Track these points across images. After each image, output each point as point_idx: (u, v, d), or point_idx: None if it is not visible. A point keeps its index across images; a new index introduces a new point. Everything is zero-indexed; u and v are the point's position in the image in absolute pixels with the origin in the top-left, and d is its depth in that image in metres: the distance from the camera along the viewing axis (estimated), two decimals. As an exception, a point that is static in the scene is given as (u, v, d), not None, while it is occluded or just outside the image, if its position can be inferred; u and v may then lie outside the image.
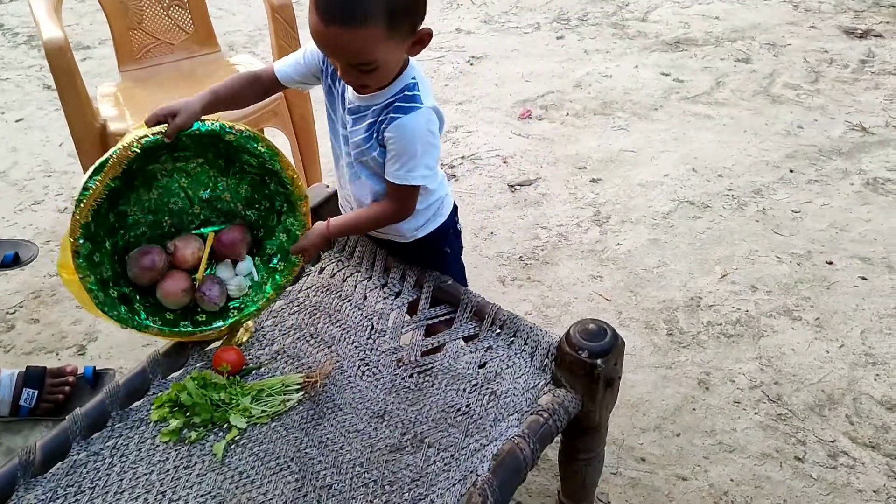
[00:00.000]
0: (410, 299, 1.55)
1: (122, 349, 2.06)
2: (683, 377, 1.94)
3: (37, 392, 1.80)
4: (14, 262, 2.03)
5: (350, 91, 1.34)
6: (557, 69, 3.53)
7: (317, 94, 1.56)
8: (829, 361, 1.97)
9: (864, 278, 2.23)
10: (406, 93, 1.30)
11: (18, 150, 2.99)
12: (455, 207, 1.60)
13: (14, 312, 2.20)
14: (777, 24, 3.83)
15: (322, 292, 1.61)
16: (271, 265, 1.50)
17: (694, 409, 1.86)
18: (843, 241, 2.38)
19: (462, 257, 1.69)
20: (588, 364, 1.29)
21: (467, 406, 1.37)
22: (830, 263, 2.29)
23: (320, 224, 1.45)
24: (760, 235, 2.43)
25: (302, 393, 1.41)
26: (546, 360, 1.40)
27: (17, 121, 3.22)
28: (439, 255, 1.58)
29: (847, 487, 1.67)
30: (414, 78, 1.32)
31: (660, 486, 1.69)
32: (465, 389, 1.40)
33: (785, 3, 4.07)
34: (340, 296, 1.59)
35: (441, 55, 3.68)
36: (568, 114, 3.17)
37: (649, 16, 4.03)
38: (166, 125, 1.31)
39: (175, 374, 1.46)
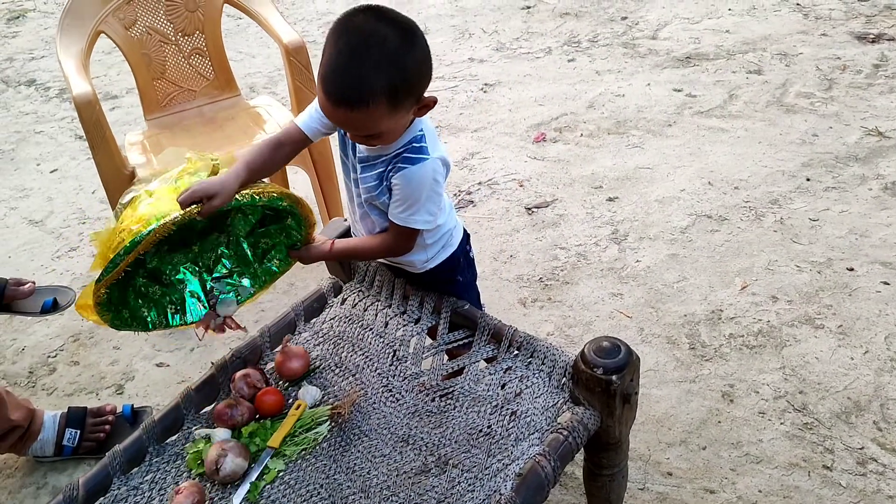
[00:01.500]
0: (430, 325, 1.59)
1: (158, 387, 2.13)
2: (707, 390, 1.95)
3: (79, 432, 1.87)
4: (53, 307, 2.12)
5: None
6: (570, 91, 3.58)
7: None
8: (854, 368, 1.97)
9: (886, 283, 2.23)
10: (414, 144, 1.36)
11: (54, 200, 3.12)
12: (466, 236, 1.64)
13: (55, 356, 2.28)
14: (788, 34, 3.85)
15: (344, 322, 1.66)
16: (268, 257, 1.55)
17: (719, 422, 1.87)
18: (863, 247, 2.38)
19: (481, 281, 1.74)
20: (604, 381, 1.32)
21: (489, 427, 1.41)
22: (851, 270, 2.29)
23: (325, 244, 1.51)
24: (779, 245, 2.43)
25: (330, 423, 1.46)
26: (564, 379, 1.43)
27: (51, 171, 3.35)
28: (452, 284, 1.63)
29: (877, 494, 1.67)
30: (421, 130, 1.38)
31: (688, 499, 1.70)
32: (486, 411, 1.43)
33: (795, 12, 4.09)
34: (362, 325, 1.64)
35: (455, 84, 3.75)
36: (582, 134, 3.21)
37: (659, 33, 4.07)
38: (199, 205, 1.29)
39: (207, 409, 1.52)
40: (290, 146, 1.48)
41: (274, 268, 1.57)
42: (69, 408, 1.91)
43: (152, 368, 2.20)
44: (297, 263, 1.58)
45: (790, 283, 2.27)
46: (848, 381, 1.93)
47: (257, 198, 1.37)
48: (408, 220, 1.39)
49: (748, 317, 2.17)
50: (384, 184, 1.39)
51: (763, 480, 1.72)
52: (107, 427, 1.89)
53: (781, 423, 1.85)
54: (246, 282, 1.57)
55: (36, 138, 3.66)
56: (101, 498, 1.37)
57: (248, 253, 1.56)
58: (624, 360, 1.33)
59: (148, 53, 2.46)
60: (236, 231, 1.54)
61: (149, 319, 1.51)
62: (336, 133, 1.49)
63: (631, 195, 2.78)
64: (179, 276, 1.53)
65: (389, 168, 1.37)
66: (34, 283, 2.10)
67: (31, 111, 3.95)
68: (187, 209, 1.28)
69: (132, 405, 1.99)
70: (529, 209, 2.76)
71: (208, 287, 1.54)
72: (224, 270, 1.56)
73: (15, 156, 3.51)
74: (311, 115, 1.44)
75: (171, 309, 1.52)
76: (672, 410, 1.91)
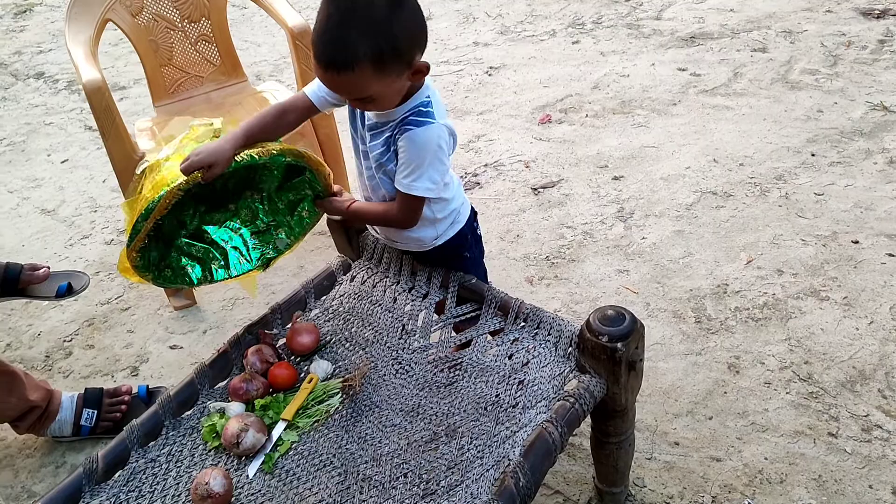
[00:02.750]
0: (437, 299, 1.62)
1: (172, 368, 2.17)
2: (713, 362, 1.98)
3: (96, 412, 1.91)
4: (68, 291, 2.16)
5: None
6: (575, 73, 3.59)
7: (340, 114, 1.64)
8: (859, 338, 1.99)
9: (891, 255, 2.24)
10: (420, 109, 1.39)
11: (65, 189, 3.16)
12: (474, 213, 1.67)
13: (71, 340, 2.33)
14: (792, 12, 3.84)
15: (354, 299, 1.69)
16: (298, 209, 1.62)
17: (725, 393, 1.89)
18: (868, 220, 2.39)
19: (489, 261, 1.77)
20: (609, 348, 1.35)
21: (497, 396, 1.43)
22: (856, 242, 2.30)
23: (345, 202, 1.57)
24: (784, 220, 2.45)
25: (341, 396, 1.49)
26: (570, 348, 1.45)
27: (62, 161, 3.39)
28: (460, 259, 1.65)
29: (882, 460, 1.69)
30: (428, 97, 1.41)
31: (694, 468, 1.72)
32: (493, 381, 1.46)
33: (800, -11, 4.07)
34: (371, 301, 1.67)
35: (460, 68, 3.77)
36: (587, 115, 3.23)
37: (663, 14, 4.06)
38: (202, 171, 1.37)
39: (221, 384, 1.55)
40: (296, 114, 1.52)
41: (305, 219, 1.63)
42: (86, 389, 1.95)
43: (166, 350, 2.24)
44: (324, 218, 1.67)
45: (795, 257, 2.29)
46: (853, 351, 1.95)
47: (257, 157, 1.42)
48: (410, 186, 1.41)
49: (753, 290, 2.19)
50: (392, 149, 1.42)
51: (769, 448, 1.74)
52: (123, 407, 1.93)
53: (787, 393, 1.87)
54: (282, 234, 1.64)
55: (46, 130, 3.70)
56: (120, 470, 1.41)
57: (280, 206, 1.63)
58: (629, 327, 1.36)
59: (155, 40, 2.49)
60: (266, 187, 1.60)
61: (193, 276, 1.59)
62: (345, 108, 1.51)
63: (636, 174, 2.79)
64: (222, 233, 1.61)
65: (396, 132, 1.40)
66: (49, 267, 2.13)
67: (40, 103, 3.99)
68: (190, 175, 1.36)
69: (147, 386, 2.02)
70: (535, 189, 2.78)
71: (250, 244, 1.63)
72: (262, 225, 1.63)
73: (26, 147, 3.55)
74: (320, 85, 1.47)
75: (215, 264, 1.61)
76: (679, 382, 1.93)
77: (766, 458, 1.72)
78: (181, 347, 2.25)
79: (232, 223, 1.63)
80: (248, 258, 1.63)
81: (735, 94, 3.23)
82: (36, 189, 3.19)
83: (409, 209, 1.48)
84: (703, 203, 2.58)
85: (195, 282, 1.60)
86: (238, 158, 1.41)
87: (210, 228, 1.61)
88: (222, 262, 1.61)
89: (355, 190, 2.55)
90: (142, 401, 1.97)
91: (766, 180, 2.65)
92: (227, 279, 1.62)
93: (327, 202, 1.59)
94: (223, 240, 1.62)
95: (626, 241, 2.45)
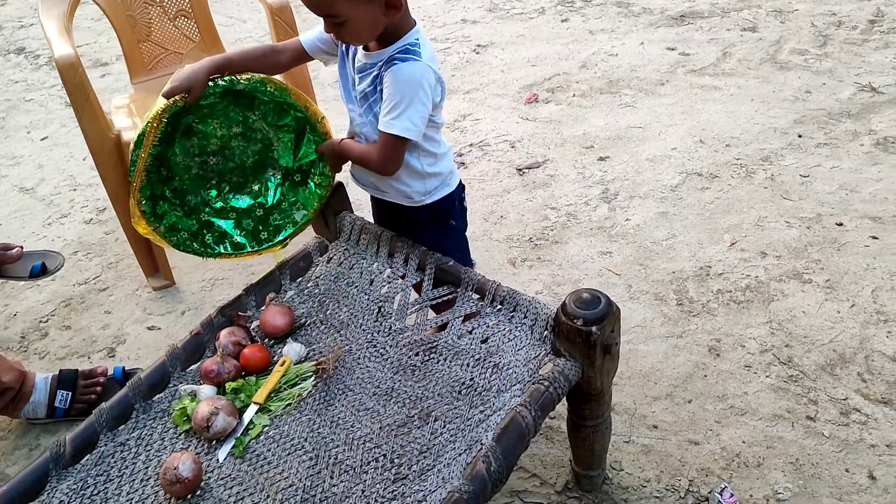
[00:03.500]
0: (414, 281, 1.60)
1: (150, 349, 2.15)
2: (694, 345, 1.97)
3: (70, 394, 1.89)
4: (42, 271, 2.12)
5: (360, 52, 1.47)
6: (563, 51, 3.55)
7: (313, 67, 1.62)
8: (841, 321, 1.98)
9: (874, 237, 2.23)
10: (408, 47, 1.42)
11: (44, 167, 3.11)
12: (462, 185, 1.67)
13: (47, 321, 2.30)
14: (784, -10, 3.80)
15: (330, 280, 1.66)
16: (311, 175, 1.66)
17: (705, 376, 1.88)
18: (853, 202, 2.38)
19: (472, 242, 1.77)
20: (584, 332, 1.33)
21: (471, 380, 1.42)
22: (840, 225, 2.29)
23: (335, 140, 1.60)
24: (769, 202, 2.43)
25: (314, 379, 1.47)
26: (545, 332, 1.44)
27: (42, 139, 3.34)
28: (445, 228, 1.66)
29: (860, 443, 1.68)
30: (417, 39, 1.43)
31: (672, 451, 1.72)
32: (468, 364, 1.44)
33: (792, -32, 4.02)
34: (347, 282, 1.65)
35: (447, 46, 3.72)
36: (574, 95, 3.19)
37: (654, -8, 4.02)
38: (183, 96, 1.47)
39: (193, 366, 1.53)
40: (287, 55, 1.59)
41: (317, 190, 1.66)
42: (61, 370, 1.93)
43: (144, 331, 2.22)
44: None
45: (779, 239, 2.27)
46: (834, 334, 1.94)
47: (236, 80, 1.50)
48: (389, 123, 1.41)
49: (736, 273, 2.17)
50: (378, 89, 1.43)
51: (747, 432, 1.74)
52: (98, 389, 1.91)
53: (767, 376, 1.86)
54: (299, 208, 1.68)
55: (26, 106, 3.64)
56: (89, 454, 1.39)
57: (297, 178, 1.67)
58: (604, 311, 1.34)
59: (133, 15, 2.43)
60: (283, 163, 1.65)
61: (214, 246, 1.65)
62: (337, 56, 1.55)
63: (622, 154, 2.77)
64: (242, 203, 1.67)
65: (383, 70, 1.41)
66: (22, 247, 2.09)
67: (20, 79, 3.92)
68: (171, 99, 1.47)
69: (124, 367, 2.00)
70: (520, 170, 2.75)
71: (270, 220, 1.68)
72: (280, 197, 1.68)
73: (5, 124, 3.50)
74: (313, 34, 1.54)
75: (234, 238, 1.66)
76: (659, 365, 1.92)
77: (743, 442, 1.72)
78: (159, 328, 2.22)
79: (252, 201, 1.67)
80: (268, 235, 1.67)
81: (723, 74, 3.20)
82: (14, 167, 3.14)
83: (389, 150, 1.47)
84: (689, 184, 2.56)
85: (215, 252, 1.65)
86: (220, 81, 1.49)
87: (234, 203, 1.66)
88: (241, 238, 1.66)
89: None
90: (117, 382, 1.95)
91: (752, 161, 2.63)
92: (247, 255, 1.67)
93: (324, 144, 1.60)
94: (243, 216, 1.67)
95: (610, 223, 2.43)
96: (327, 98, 3.22)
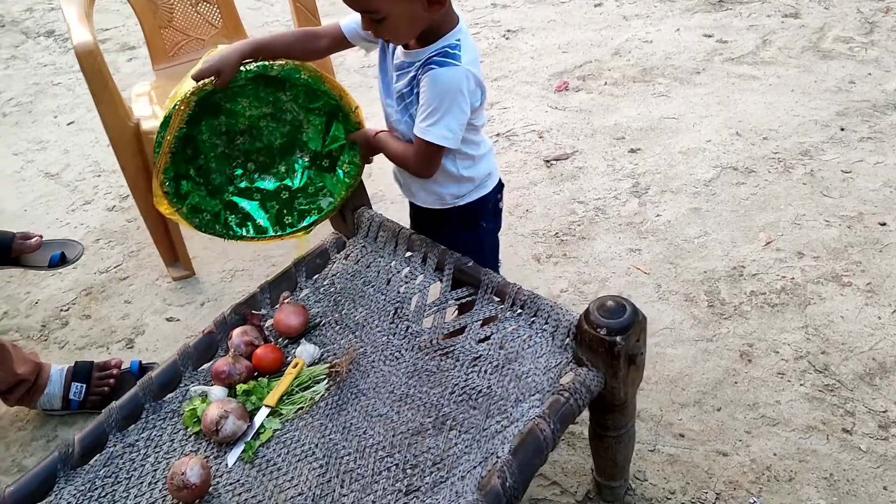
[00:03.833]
0: (432, 282, 1.54)
1: (168, 341, 2.13)
2: (725, 350, 1.89)
3: (84, 386, 1.87)
4: (61, 261, 2.11)
5: (399, 49, 1.41)
6: (595, 38, 3.44)
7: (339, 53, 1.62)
8: (881, 328, 1.88)
9: (920, 239, 2.12)
10: (448, 50, 1.35)
11: (70, 152, 3.10)
12: (501, 186, 1.62)
13: (68, 309, 2.29)
14: (829, -26, 3.64)
15: (346, 279, 1.62)
16: (338, 166, 1.62)
17: (736, 383, 1.80)
18: (898, 201, 2.26)
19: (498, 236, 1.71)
20: (607, 342, 1.26)
21: (489, 387, 1.36)
22: (884, 224, 2.18)
23: (371, 130, 1.55)
24: (808, 199, 2.32)
25: (327, 382, 1.43)
26: (567, 339, 1.37)
27: (68, 124, 3.33)
28: (474, 228, 1.60)
29: (899, 459, 1.60)
30: (458, 40, 1.36)
31: (699, 462, 1.65)
32: (486, 371, 1.39)
33: (838, -50, 3.85)
34: (364, 281, 1.60)
35: (476, 31, 3.63)
36: (606, 83, 3.09)
37: (691, -25, 3.87)
38: (213, 79, 1.43)
39: (205, 366, 1.50)
40: (327, 40, 1.52)
41: (345, 178, 1.62)
42: (76, 362, 1.92)
43: (162, 323, 2.20)
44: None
45: (817, 239, 2.17)
46: (874, 342, 1.85)
47: (269, 66, 1.46)
48: (426, 130, 1.36)
49: (771, 273, 2.08)
50: (415, 91, 1.38)
51: (779, 443, 1.66)
52: (111, 381, 1.89)
53: (801, 385, 1.78)
54: (325, 194, 1.65)
55: (54, 90, 3.64)
56: (98, 454, 1.37)
57: (325, 164, 1.63)
58: (629, 319, 1.27)
59: (154, 1, 2.40)
60: (312, 146, 1.62)
61: (236, 229, 1.63)
62: (375, 52, 1.51)
63: (654, 146, 2.67)
64: (269, 185, 1.64)
65: (420, 73, 1.36)
66: (41, 236, 2.09)
67: (49, 62, 3.92)
68: (201, 82, 1.43)
69: (140, 361, 1.98)
70: (548, 161, 2.67)
71: (296, 205, 1.65)
72: (306, 181, 1.65)
73: (33, 108, 3.50)
74: (353, 19, 1.47)
75: (258, 222, 1.64)
76: (687, 370, 1.84)
77: (775, 454, 1.64)
78: (178, 320, 2.20)
79: (278, 183, 1.64)
80: (293, 220, 1.65)
81: (763, 62, 3.07)
82: (41, 152, 3.15)
83: (425, 156, 1.42)
84: (723, 179, 2.46)
85: (237, 234, 1.62)
86: (251, 67, 1.45)
87: (259, 184, 1.63)
88: (265, 222, 1.64)
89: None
90: (133, 376, 1.93)
91: (791, 156, 2.52)
92: (271, 238, 1.65)
93: (358, 133, 1.56)
94: (267, 198, 1.64)
95: (640, 219, 2.35)
96: (353, 85, 3.16)
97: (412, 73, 1.38)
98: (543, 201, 2.48)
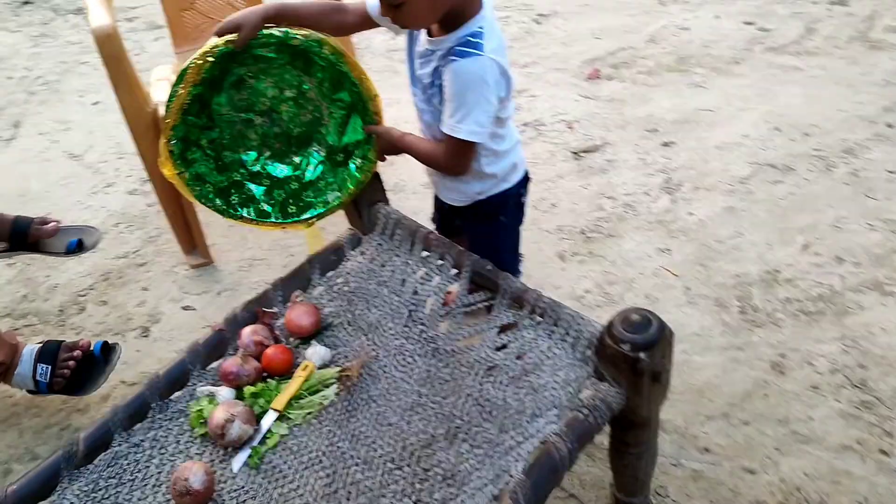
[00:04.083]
0: (448, 284, 1.48)
1: (183, 331, 2.10)
2: (756, 360, 1.80)
3: (50, 367, 1.79)
4: (78, 248, 2.08)
5: (423, 35, 1.37)
6: (631, 23, 3.33)
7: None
8: (925, 342, 1.78)
9: (970, 246, 2.00)
10: (470, 39, 1.30)
11: (94, 133, 3.09)
12: (526, 179, 1.58)
13: (85, 295, 2.28)
14: (880, -41, 3.47)
15: (361, 277, 1.56)
16: (350, 160, 1.56)
17: (766, 395, 1.72)
18: (947, 205, 2.15)
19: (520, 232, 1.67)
20: (631, 357, 1.19)
21: (504, 400, 1.30)
22: (931, 230, 2.07)
23: (396, 131, 1.49)
24: (850, 200, 2.21)
25: (337, 387, 1.38)
26: (588, 352, 1.31)
27: (94, 104, 3.32)
28: (493, 222, 1.56)
29: (940, 485, 1.51)
30: (481, 27, 1.31)
31: (724, 479, 1.57)
32: (502, 382, 1.33)
33: (891, -66, 3.67)
34: (378, 281, 1.54)
35: (506, 15, 3.53)
36: (640, 72, 2.99)
37: (734, -41, 3.72)
38: (236, 35, 1.38)
39: (214, 364, 1.46)
40: (353, 16, 1.47)
41: (356, 174, 1.56)
42: (45, 342, 1.84)
43: (178, 311, 2.17)
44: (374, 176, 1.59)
45: (859, 244, 2.07)
46: (916, 357, 1.75)
47: (292, 32, 1.40)
48: (455, 127, 1.33)
49: (808, 279, 1.99)
50: (437, 83, 1.35)
51: (810, 462, 1.58)
52: (71, 363, 1.80)
53: (836, 400, 1.69)
54: (334, 189, 1.59)
55: (80, 69, 3.63)
56: (102, 453, 1.34)
57: (339, 159, 1.58)
58: (655, 335, 1.20)
59: (176, -19, 2.35)
60: (329, 139, 1.57)
61: (240, 208, 1.58)
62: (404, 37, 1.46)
63: (688, 140, 2.57)
64: (272, 170, 1.59)
65: (441, 63, 1.32)
66: (59, 222, 2.06)
67: (77, 41, 3.91)
68: (221, 39, 1.38)
69: (105, 342, 1.88)
70: (577, 154, 2.59)
71: (303, 195, 1.60)
72: (319, 175, 1.59)
73: (59, 87, 3.49)
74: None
75: (260, 206, 1.59)
76: (715, 380, 1.77)
77: (805, 474, 1.56)
78: (194, 309, 2.17)
79: (290, 173, 1.60)
80: (295, 210, 1.60)
81: (806, 53, 2.94)
82: (66, 132, 3.14)
83: (456, 154, 1.39)
84: (760, 177, 2.36)
85: (237, 214, 1.57)
86: (274, 32, 1.40)
87: (271, 170, 1.59)
88: (268, 207, 1.59)
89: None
90: (97, 358, 1.84)
91: (833, 153, 2.40)
92: (269, 225, 1.60)
93: (381, 128, 1.49)
94: (276, 186, 1.60)
95: (671, 217, 2.26)
96: (379, 69, 3.09)
97: (434, 63, 1.34)
98: (570, 196, 2.40)
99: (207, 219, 2.24)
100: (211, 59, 1.40)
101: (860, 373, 1.74)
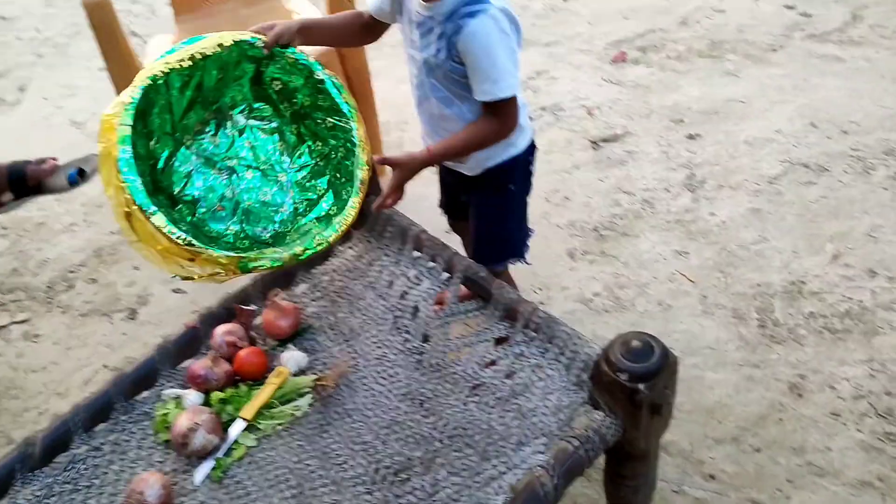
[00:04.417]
0: (438, 290, 1.37)
1: (171, 315, 2.02)
2: (773, 380, 1.67)
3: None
4: (80, 176, 1.99)
5: (416, 4, 1.32)
6: (662, 3, 3.14)
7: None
8: (961, 370, 1.64)
9: None
10: None
11: (98, 100, 2.99)
12: (533, 146, 1.50)
13: (75, 272, 2.20)
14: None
15: (346, 276, 1.46)
16: (324, 209, 1.45)
17: (781, 420, 1.60)
18: None
19: (530, 224, 1.59)
20: (628, 388, 1.08)
21: (488, 424, 1.20)
22: (975, 245, 1.91)
23: (417, 153, 1.38)
24: (888, 207, 2.06)
25: (312, 397, 1.28)
26: (584, 375, 1.19)
27: (100, 69, 3.21)
28: (503, 192, 1.50)
29: (967, 532, 1.38)
30: None
31: (730, 510, 1.46)
32: (487, 403, 1.22)
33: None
34: (365, 282, 1.44)
35: (532, -10, 3.36)
36: (669, 56, 2.81)
37: (778, -63, 3.50)
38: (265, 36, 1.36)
39: (185, 363, 1.37)
40: (363, 27, 1.48)
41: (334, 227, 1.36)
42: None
43: (168, 294, 2.09)
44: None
45: (894, 256, 1.91)
46: (950, 386, 1.61)
47: (320, 65, 1.39)
48: (493, 90, 1.28)
49: (836, 293, 1.84)
50: (441, 50, 1.29)
51: (825, 498, 1.46)
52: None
53: (858, 430, 1.56)
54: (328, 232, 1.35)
55: (90, 33, 3.52)
56: (60, 455, 1.26)
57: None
58: (656, 365, 1.08)
59: (179, -53, 2.23)
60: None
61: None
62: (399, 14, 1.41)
63: (716, 133, 2.41)
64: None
65: (449, 30, 1.26)
66: (56, 158, 1.96)
67: (90, 3, 3.81)
68: (251, 28, 1.37)
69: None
70: (595, 143, 2.44)
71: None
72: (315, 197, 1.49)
73: (68, 50, 3.42)
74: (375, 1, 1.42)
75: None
76: (727, 400, 1.64)
77: (819, 511, 1.44)
78: (185, 292, 2.09)
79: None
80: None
81: (850, 42, 2.74)
82: (71, 98, 3.06)
83: (502, 115, 1.33)
84: (791, 176, 2.20)
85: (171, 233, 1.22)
86: (301, 57, 1.39)
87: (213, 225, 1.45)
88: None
89: (383, 127, 2.29)
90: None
91: (873, 154, 2.24)
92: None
93: (401, 157, 1.38)
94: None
95: (691, 217, 2.11)
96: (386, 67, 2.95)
97: (438, 30, 1.28)
98: (585, 188, 2.26)
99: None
100: (233, 43, 1.34)
101: (887, 401, 1.60)
